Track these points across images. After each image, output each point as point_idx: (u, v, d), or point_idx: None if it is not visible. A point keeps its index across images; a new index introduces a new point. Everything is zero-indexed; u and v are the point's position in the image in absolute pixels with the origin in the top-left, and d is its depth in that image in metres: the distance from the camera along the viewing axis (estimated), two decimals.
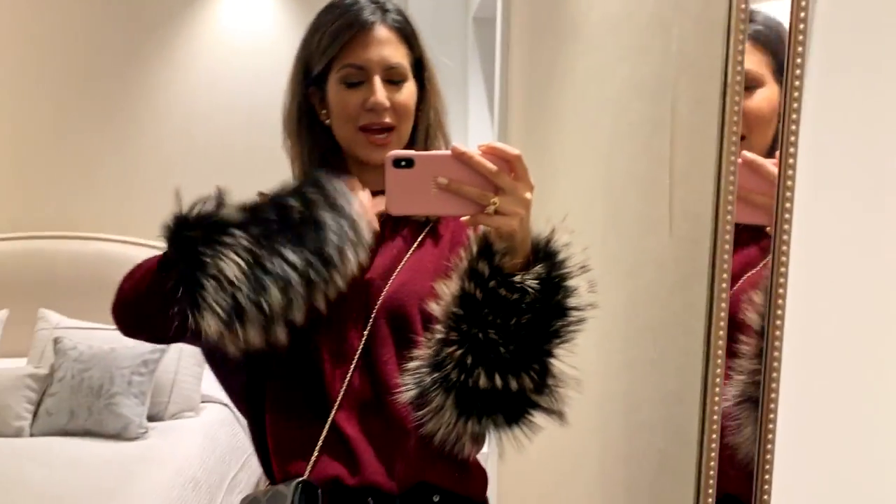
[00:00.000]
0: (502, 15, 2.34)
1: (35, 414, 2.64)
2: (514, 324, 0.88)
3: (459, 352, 0.89)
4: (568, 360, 0.92)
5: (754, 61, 0.92)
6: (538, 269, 0.89)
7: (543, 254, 0.90)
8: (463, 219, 0.88)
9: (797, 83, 0.64)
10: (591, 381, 1.37)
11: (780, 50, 0.80)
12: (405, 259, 1.05)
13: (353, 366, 1.00)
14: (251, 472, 2.83)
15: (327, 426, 0.99)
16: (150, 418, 2.75)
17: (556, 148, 1.67)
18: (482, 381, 0.88)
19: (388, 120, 1.02)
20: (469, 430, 0.91)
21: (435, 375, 0.90)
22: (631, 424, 1.17)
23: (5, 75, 3.40)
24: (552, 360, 0.91)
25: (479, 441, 0.97)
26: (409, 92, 1.04)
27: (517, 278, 0.88)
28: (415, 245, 1.06)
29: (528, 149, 1.91)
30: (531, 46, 2.02)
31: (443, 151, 0.88)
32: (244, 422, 3.05)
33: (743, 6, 0.67)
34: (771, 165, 0.79)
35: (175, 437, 2.65)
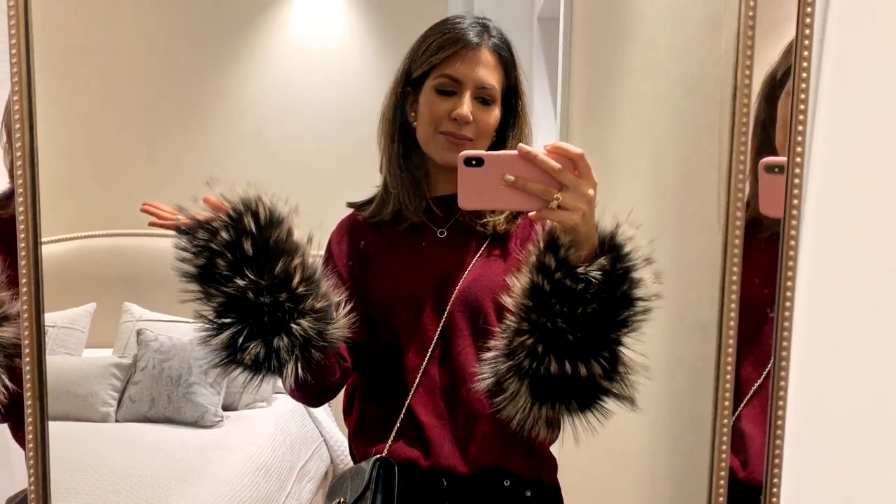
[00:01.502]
0: (565, 14, 2.35)
1: (119, 401, 2.81)
2: (580, 313, 0.92)
3: (531, 340, 0.94)
4: (637, 348, 0.96)
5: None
6: (602, 261, 0.93)
7: (608, 247, 0.94)
8: (529, 213, 0.93)
9: (803, 85, 0.64)
10: (653, 379, 1.38)
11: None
12: (476, 256, 1.12)
13: (428, 355, 1.06)
14: (321, 461, 2.93)
15: (403, 412, 1.06)
16: (225, 408, 2.88)
17: (614, 145, 1.67)
18: (553, 368, 0.93)
19: (467, 133, 1.09)
20: (543, 414, 0.96)
21: (509, 363, 0.95)
22: (682, 422, 1.17)
23: (92, 79, 3.60)
24: (621, 349, 0.95)
25: (554, 426, 1.01)
26: (494, 115, 1.11)
27: (581, 269, 0.92)
28: (485, 245, 1.13)
29: (589, 146, 1.92)
30: (591, 45, 2.02)
31: (510, 151, 0.93)
32: (314, 413, 3.14)
33: (751, 13, 0.67)
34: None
35: (248, 425, 2.77)
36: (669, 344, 1.22)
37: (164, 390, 2.76)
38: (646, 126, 1.40)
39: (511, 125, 1.15)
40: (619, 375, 0.95)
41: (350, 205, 1.24)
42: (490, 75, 1.10)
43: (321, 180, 3.56)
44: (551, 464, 1.13)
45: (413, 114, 1.15)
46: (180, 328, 3.03)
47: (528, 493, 1.08)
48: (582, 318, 0.93)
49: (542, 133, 3.27)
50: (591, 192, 0.91)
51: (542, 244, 0.95)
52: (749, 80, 0.65)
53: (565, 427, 1.00)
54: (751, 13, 0.64)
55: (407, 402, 1.06)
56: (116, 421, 2.77)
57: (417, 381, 1.06)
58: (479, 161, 0.92)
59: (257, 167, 3.60)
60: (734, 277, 0.72)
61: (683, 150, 1.17)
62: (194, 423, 2.73)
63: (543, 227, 0.96)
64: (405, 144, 1.15)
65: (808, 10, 0.63)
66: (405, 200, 1.14)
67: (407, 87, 1.15)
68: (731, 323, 0.73)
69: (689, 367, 1.14)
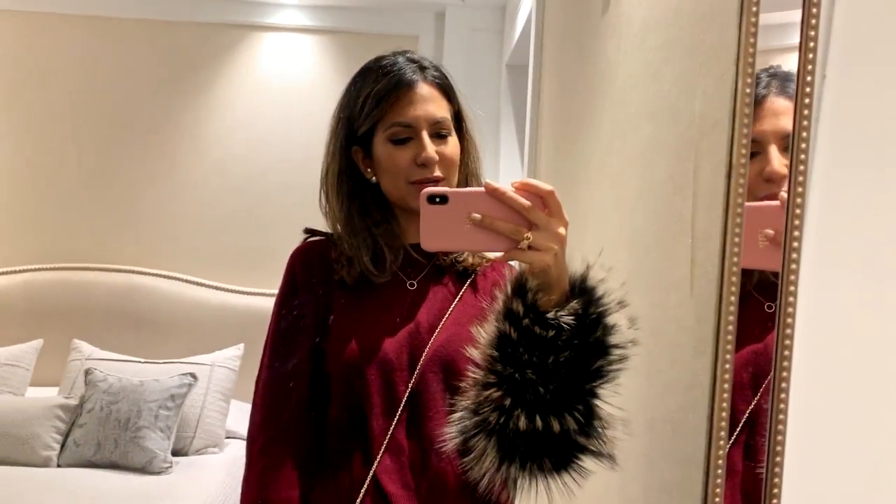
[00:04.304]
0: (534, 63, 2.37)
1: (63, 444, 2.68)
2: (551, 362, 0.86)
3: (498, 394, 0.87)
4: (613, 400, 0.90)
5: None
6: (573, 304, 0.87)
7: (579, 290, 0.89)
8: (496, 255, 0.89)
9: (805, 123, 0.63)
10: (633, 435, 1.35)
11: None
12: (450, 309, 1.07)
13: (396, 419, 1.00)
14: None
15: (368, 480, 0.99)
16: (175, 453, 2.77)
17: (583, 197, 1.67)
18: (522, 423, 0.86)
19: (438, 173, 1.06)
20: (513, 475, 0.89)
21: (475, 419, 0.89)
22: (652, 486, 1.14)
23: (50, 110, 3.52)
24: (597, 402, 0.89)
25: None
26: (454, 144, 1.09)
27: (551, 314, 0.86)
28: (459, 295, 1.09)
29: (557, 194, 1.92)
30: (561, 94, 2.04)
31: (476, 188, 0.90)
32: None
33: (751, 60, 0.66)
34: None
35: (198, 472, 2.66)
36: (640, 405, 1.20)
37: (111, 434, 2.65)
38: (616, 182, 1.39)
39: (462, 149, 1.12)
40: (595, 431, 0.88)
41: (308, 231, 1.17)
42: (438, 108, 1.07)
43: (286, 216, 3.50)
44: None
45: (370, 170, 1.11)
46: (131, 368, 2.93)
47: None
48: (553, 368, 0.86)
49: (510, 178, 3.28)
50: (562, 230, 0.86)
51: (509, 289, 0.89)
52: (747, 138, 0.64)
53: (539, 490, 0.94)
54: (750, 59, 0.63)
55: (372, 471, 0.99)
56: (59, 466, 2.64)
57: (384, 446, 0.99)
58: (444, 198, 0.86)
59: (221, 203, 3.54)
60: (729, 338, 0.70)
61: (656, 209, 1.16)
62: (142, 469, 2.61)
63: (510, 270, 0.92)
64: (366, 202, 1.11)
65: (810, 56, 0.62)
66: (372, 263, 1.08)
67: (353, 146, 1.11)
68: (726, 386, 0.70)
69: (658, 431, 1.12)
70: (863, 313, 0.75)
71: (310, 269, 1.11)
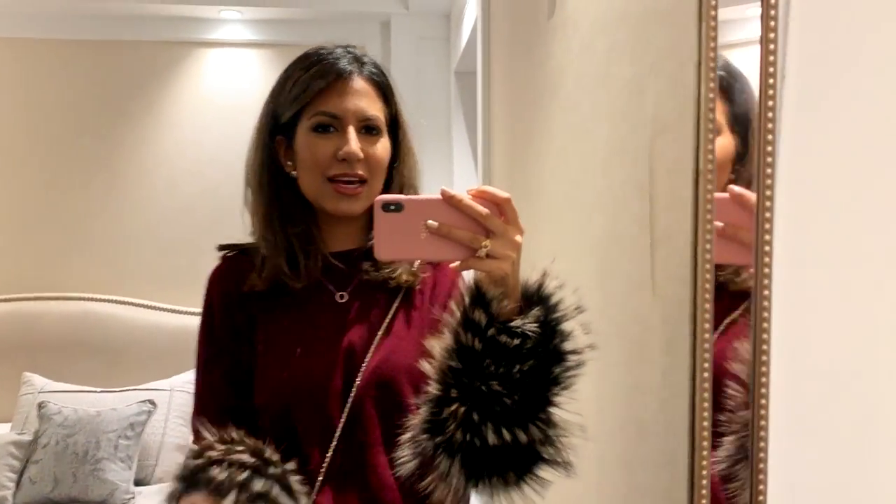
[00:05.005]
0: (482, 69, 2.38)
1: (18, 483, 2.58)
2: (517, 371, 0.83)
3: (463, 409, 0.83)
4: (570, 406, 0.88)
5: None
6: (536, 312, 0.85)
7: (537, 297, 0.87)
8: (454, 264, 0.85)
9: (770, 125, 0.63)
10: (590, 440, 1.35)
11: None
12: (384, 326, 1.01)
13: (332, 448, 0.95)
14: None
15: None
16: (138, 482, 2.69)
17: (540, 202, 1.67)
18: (492, 438, 0.83)
19: (360, 172, 0.98)
20: (479, 492, 0.87)
21: (437, 440, 0.85)
22: (629, 487, 1.15)
23: None
24: (554, 409, 0.87)
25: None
26: (383, 146, 1.01)
27: (516, 322, 0.84)
28: (392, 309, 1.02)
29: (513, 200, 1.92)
30: (511, 100, 2.04)
31: (432, 195, 0.85)
32: None
33: (712, 55, 0.66)
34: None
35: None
36: (613, 405, 1.20)
37: (68, 468, 2.56)
38: (573, 185, 1.40)
39: (396, 157, 1.04)
40: (553, 439, 0.86)
41: (223, 247, 1.09)
42: (370, 105, 1.00)
43: (244, 231, 3.39)
44: None
45: (290, 163, 1.02)
46: (87, 399, 2.84)
47: None
48: (519, 378, 0.83)
49: (463, 185, 3.28)
50: (519, 238, 0.84)
51: (467, 299, 0.85)
52: (712, 132, 0.64)
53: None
54: (712, 54, 0.63)
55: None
56: None
57: (321, 480, 0.94)
58: (398, 206, 0.84)
59: (174, 223, 3.46)
60: (706, 335, 0.69)
61: (615, 211, 1.16)
62: (103, 503, 2.53)
63: (458, 279, 0.88)
64: (284, 199, 1.02)
65: (771, 58, 0.63)
66: (286, 265, 1.00)
67: (277, 136, 1.03)
68: (706, 384, 0.70)
69: (632, 431, 1.12)
70: (835, 307, 0.76)
71: (227, 292, 1.04)
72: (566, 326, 0.87)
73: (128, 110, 3.48)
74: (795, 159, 0.75)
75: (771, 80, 0.62)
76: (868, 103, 0.74)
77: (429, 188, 0.97)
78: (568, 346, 0.87)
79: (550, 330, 0.86)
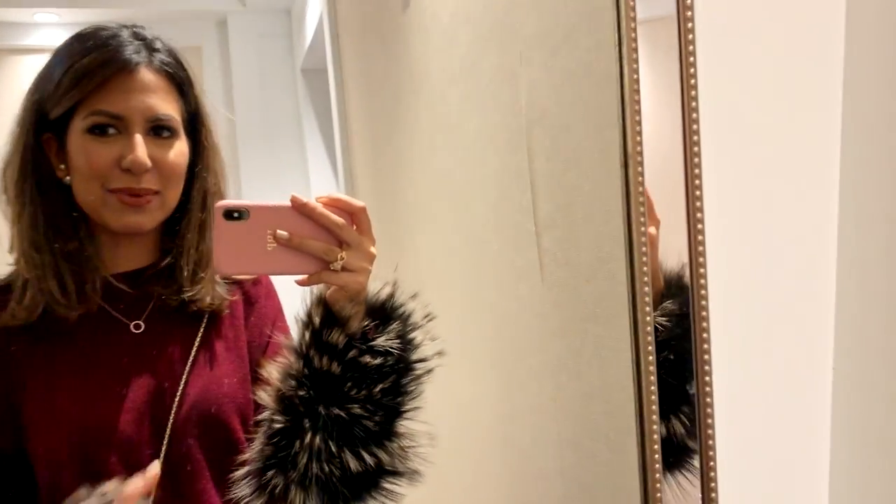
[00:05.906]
0: (333, 66, 2.32)
1: None
2: (378, 391, 0.78)
3: (318, 439, 0.76)
4: (418, 415, 0.83)
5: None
6: (395, 326, 0.80)
7: (389, 309, 0.81)
8: (300, 278, 0.77)
9: (695, 116, 0.64)
10: (470, 434, 1.35)
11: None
12: (191, 356, 0.89)
13: (151, 499, 0.80)
14: None
15: None
16: None
17: (409, 198, 1.65)
18: (353, 465, 0.77)
19: (149, 185, 0.84)
20: None
21: (291, 475, 0.77)
22: (524, 474, 1.15)
23: None
24: (404, 421, 0.82)
25: None
26: (178, 151, 0.87)
27: (380, 341, 0.78)
28: (199, 335, 0.90)
29: (378, 200, 1.89)
30: (369, 96, 2.00)
31: (281, 202, 0.77)
32: None
33: (634, 35, 0.65)
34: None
35: None
36: (499, 396, 1.20)
37: None
38: (444, 178, 1.39)
39: (198, 160, 0.91)
40: (406, 451, 0.81)
41: None
42: (162, 102, 0.84)
43: None
44: None
45: (63, 167, 0.85)
46: None
47: None
48: (379, 398, 0.78)
49: (321, 187, 3.20)
50: (373, 249, 0.79)
51: (316, 318, 0.78)
52: (640, 142, 0.64)
53: None
54: (633, 35, 0.62)
55: None
56: None
57: None
58: (242, 213, 0.75)
59: None
60: (647, 308, 0.69)
61: (493, 201, 1.16)
62: None
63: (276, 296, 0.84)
64: (54, 209, 0.85)
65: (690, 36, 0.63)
66: (58, 289, 0.83)
67: (45, 133, 0.86)
68: (652, 377, 0.70)
69: (527, 418, 1.13)
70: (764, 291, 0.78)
71: None
72: (418, 337, 0.83)
73: None
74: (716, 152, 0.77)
75: (691, 59, 0.62)
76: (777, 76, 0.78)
77: (284, 193, 0.87)
78: (415, 355, 0.82)
79: (407, 343, 0.81)
